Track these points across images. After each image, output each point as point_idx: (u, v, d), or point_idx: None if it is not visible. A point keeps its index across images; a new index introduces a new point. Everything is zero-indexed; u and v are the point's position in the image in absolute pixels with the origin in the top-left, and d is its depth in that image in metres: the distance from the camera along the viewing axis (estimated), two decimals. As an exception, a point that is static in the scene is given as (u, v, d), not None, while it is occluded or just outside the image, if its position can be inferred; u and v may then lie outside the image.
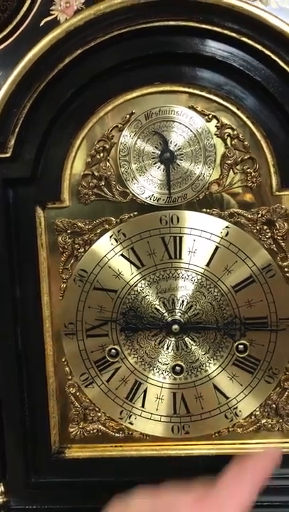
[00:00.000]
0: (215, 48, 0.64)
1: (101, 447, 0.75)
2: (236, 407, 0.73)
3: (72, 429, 0.75)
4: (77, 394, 0.75)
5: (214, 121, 0.69)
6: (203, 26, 0.62)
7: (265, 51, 0.62)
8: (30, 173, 0.68)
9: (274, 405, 0.73)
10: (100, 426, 0.75)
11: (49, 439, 0.75)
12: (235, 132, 0.69)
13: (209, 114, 0.68)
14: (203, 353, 0.72)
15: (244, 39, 0.62)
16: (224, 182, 0.70)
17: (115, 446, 0.75)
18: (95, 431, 0.75)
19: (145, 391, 0.73)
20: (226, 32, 0.62)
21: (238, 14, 0.61)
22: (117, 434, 0.75)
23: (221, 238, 0.70)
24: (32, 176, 0.68)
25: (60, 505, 0.74)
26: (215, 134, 0.69)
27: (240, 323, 0.71)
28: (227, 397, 0.73)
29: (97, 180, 0.70)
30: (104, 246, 0.71)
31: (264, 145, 0.68)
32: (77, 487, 0.75)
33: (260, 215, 0.70)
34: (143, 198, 0.70)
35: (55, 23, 0.63)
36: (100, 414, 0.75)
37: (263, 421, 0.74)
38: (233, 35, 0.62)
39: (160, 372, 0.73)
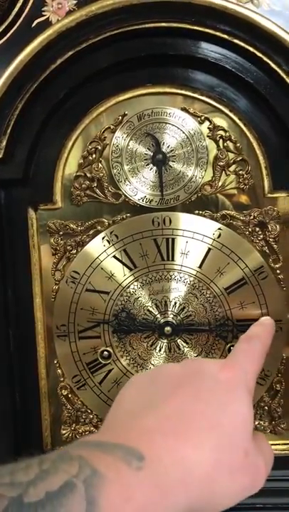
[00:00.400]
0: (207, 49, 0.64)
1: (93, 449, 0.75)
2: (229, 409, 0.73)
3: (64, 431, 0.75)
4: (70, 396, 0.74)
5: (206, 123, 0.69)
6: (196, 28, 0.62)
7: (257, 53, 0.62)
8: (22, 174, 0.68)
9: (266, 407, 0.73)
10: (92, 428, 0.75)
11: (41, 442, 0.74)
12: (228, 134, 0.69)
13: (201, 116, 0.69)
14: (195, 355, 0.72)
15: (236, 41, 0.62)
16: (216, 184, 0.70)
17: (107, 449, 0.75)
18: (86, 433, 0.75)
19: (137, 393, 0.73)
20: (218, 34, 0.62)
21: (230, 16, 0.61)
22: (109, 436, 0.75)
23: (214, 240, 0.70)
24: (24, 177, 0.68)
25: (52, 508, 0.74)
26: (207, 136, 0.69)
27: (232, 325, 0.71)
28: (219, 399, 0.72)
29: (90, 182, 0.70)
30: (97, 247, 0.71)
31: (256, 147, 0.68)
32: (69, 489, 0.74)
33: (252, 217, 0.70)
34: (135, 199, 0.70)
35: (47, 24, 0.63)
36: (92, 416, 0.74)
37: (256, 423, 0.73)
38: (225, 37, 0.62)
39: (152, 374, 0.73)
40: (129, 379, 0.51)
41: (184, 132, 0.69)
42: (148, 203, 0.70)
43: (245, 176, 0.69)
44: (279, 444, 0.74)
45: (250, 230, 0.70)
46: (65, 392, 0.74)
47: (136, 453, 0.36)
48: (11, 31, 0.63)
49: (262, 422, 0.74)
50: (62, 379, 0.74)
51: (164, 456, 0.37)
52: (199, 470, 0.38)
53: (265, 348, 0.52)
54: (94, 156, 0.70)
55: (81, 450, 0.37)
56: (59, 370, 0.74)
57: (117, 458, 0.36)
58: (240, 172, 0.69)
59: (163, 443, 0.38)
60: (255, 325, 0.58)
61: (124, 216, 0.71)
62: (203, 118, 0.69)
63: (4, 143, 0.65)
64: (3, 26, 0.63)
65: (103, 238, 0.71)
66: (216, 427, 0.40)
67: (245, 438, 0.42)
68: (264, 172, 0.69)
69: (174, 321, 0.72)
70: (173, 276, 0.71)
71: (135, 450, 0.37)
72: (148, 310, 0.72)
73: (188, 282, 0.71)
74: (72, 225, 0.71)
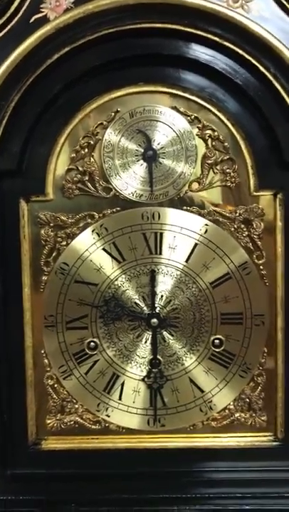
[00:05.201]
0: (198, 51, 0.67)
1: (78, 439, 0.76)
2: (211, 401, 0.75)
3: (49, 421, 0.76)
4: (55, 386, 0.75)
5: (196, 122, 0.71)
6: (188, 30, 0.65)
7: (246, 56, 0.65)
8: (16, 166, 0.69)
9: (247, 399, 0.75)
10: (77, 418, 0.76)
11: (26, 431, 0.75)
12: (216, 133, 0.71)
13: (191, 115, 0.71)
14: (180, 347, 0.74)
15: (226, 43, 0.65)
16: (204, 181, 0.72)
17: (92, 439, 0.76)
18: (72, 423, 0.76)
19: (122, 384, 0.75)
20: (209, 36, 0.65)
21: (221, 20, 0.64)
22: (93, 427, 0.76)
23: (200, 235, 0.72)
24: (17, 168, 0.69)
25: (36, 496, 0.74)
26: (196, 135, 0.71)
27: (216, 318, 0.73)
28: (202, 391, 0.74)
29: (81, 175, 0.72)
30: (87, 240, 0.73)
31: (243, 147, 0.71)
32: (53, 478, 0.75)
33: (238, 214, 0.72)
34: (126, 194, 0.72)
35: (44, 20, 0.65)
36: (77, 406, 0.75)
37: (237, 415, 0.75)
38: (216, 39, 0.65)
39: (138, 365, 0.74)
40: None
41: (174, 130, 0.71)
42: (138, 198, 0.72)
43: (232, 174, 0.72)
44: (260, 436, 0.76)
45: (235, 226, 0.73)
46: (51, 382, 0.75)
47: None
48: (10, 26, 0.65)
49: (243, 415, 0.75)
50: (48, 369, 0.75)
51: None
52: None
53: None
54: (86, 150, 0.72)
55: None
56: (46, 360, 0.75)
57: None
58: (228, 170, 0.72)
59: None
60: None
61: (115, 210, 0.72)
62: (192, 117, 0.71)
63: (-1, 134, 0.66)
64: (2, 21, 0.64)
65: (93, 231, 0.73)
66: None
67: None
68: (250, 171, 0.71)
69: (160, 314, 0.73)
70: (160, 270, 0.73)
71: None
72: (135, 302, 0.74)
73: (175, 276, 0.73)
74: (63, 217, 0.73)
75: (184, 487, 0.75)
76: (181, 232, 0.73)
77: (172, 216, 0.72)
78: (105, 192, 0.72)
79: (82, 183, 0.72)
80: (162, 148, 0.71)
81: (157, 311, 0.73)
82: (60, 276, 0.73)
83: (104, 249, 0.73)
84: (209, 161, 0.72)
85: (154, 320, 0.73)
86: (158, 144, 0.71)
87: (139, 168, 0.72)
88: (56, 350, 0.74)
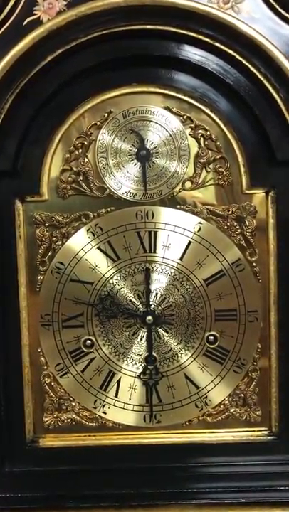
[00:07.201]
0: (190, 52, 0.68)
1: (75, 436, 0.77)
2: (206, 397, 0.76)
3: (46, 419, 0.76)
4: (52, 384, 0.76)
5: (188, 122, 0.72)
6: (180, 31, 0.66)
7: (237, 56, 0.66)
8: (11, 166, 0.70)
9: (242, 395, 0.76)
10: (74, 415, 0.77)
11: (23, 429, 0.76)
12: (208, 133, 0.72)
13: (184, 115, 0.72)
14: (175, 343, 0.75)
15: (217, 44, 0.66)
16: (197, 180, 0.73)
17: (89, 436, 0.77)
18: (69, 420, 0.77)
19: (119, 381, 0.76)
20: (200, 37, 0.66)
21: (212, 21, 0.64)
22: (90, 424, 0.77)
23: (194, 233, 0.74)
24: (12, 169, 0.70)
25: (34, 494, 0.75)
26: (189, 134, 0.72)
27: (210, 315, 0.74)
28: (198, 387, 0.75)
29: (76, 175, 0.73)
30: (82, 239, 0.74)
31: (235, 146, 0.72)
32: (51, 476, 0.76)
33: (230, 212, 0.73)
34: (120, 193, 0.73)
35: (37, 22, 0.66)
36: (74, 404, 0.76)
37: (232, 410, 0.77)
38: (208, 40, 0.66)
39: (133, 362, 0.75)
40: None
41: (167, 130, 0.72)
42: (132, 197, 0.73)
43: (224, 172, 0.73)
44: (254, 431, 0.77)
45: (228, 224, 0.74)
46: (48, 380, 0.76)
47: None
48: (3, 28, 0.66)
49: (238, 409, 0.77)
50: (45, 367, 0.76)
51: None
52: None
53: None
54: (80, 150, 0.73)
55: None
56: (42, 359, 0.76)
57: None
58: (220, 169, 0.73)
59: None
60: None
61: (109, 209, 0.73)
62: (185, 117, 0.72)
63: (-6, 135, 0.67)
64: (-4, 23, 0.65)
65: (88, 230, 0.74)
66: None
67: None
68: (242, 169, 0.73)
69: (155, 311, 0.74)
70: (155, 268, 0.74)
71: None
72: (130, 300, 0.75)
73: (170, 274, 0.74)
74: (57, 217, 0.73)
75: (181, 482, 0.76)
76: (175, 231, 0.74)
77: (166, 215, 0.73)
78: (99, 192, 0.73)
79: (77, 183, 0.73)
80: (155, 147, 0.73)
81: (152, 309, 0.74)
82: (55, 276, 0.74)
83: (99, 248, 0.74)
84: (202, 160, 0.73)
85: (149, 317, 0.74)
86: (151, 143, 0.72)
87: (133, 168, 0.73)
88: (53, 348, 0.75)
